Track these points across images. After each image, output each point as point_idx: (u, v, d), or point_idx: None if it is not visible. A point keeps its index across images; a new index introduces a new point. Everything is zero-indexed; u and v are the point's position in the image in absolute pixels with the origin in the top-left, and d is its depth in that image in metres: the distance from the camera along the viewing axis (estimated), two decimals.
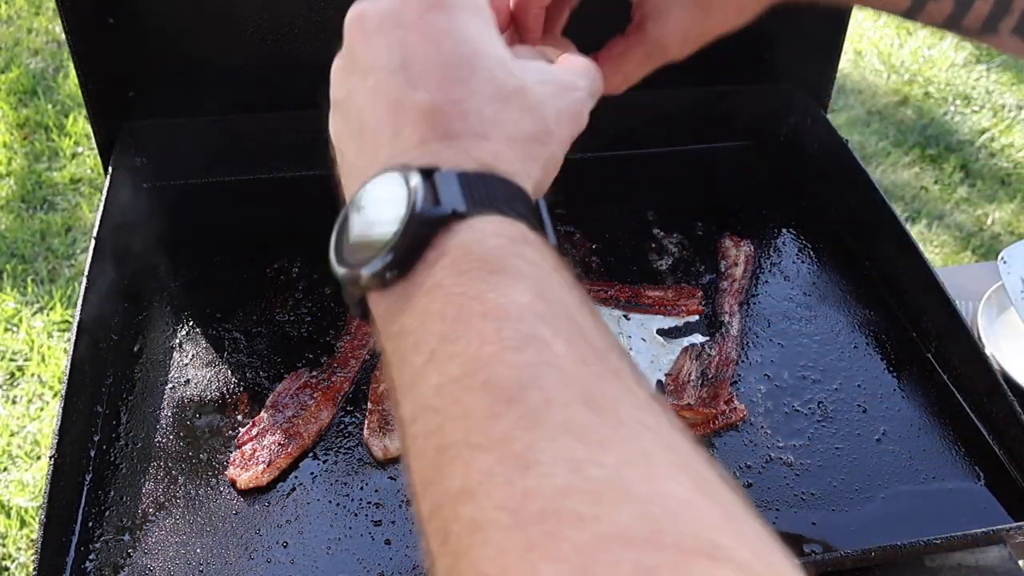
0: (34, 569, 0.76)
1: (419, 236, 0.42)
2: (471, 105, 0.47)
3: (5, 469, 1.91)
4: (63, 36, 1.09)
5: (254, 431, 0.91)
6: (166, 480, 0.87)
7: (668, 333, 1.04)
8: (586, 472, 0.33)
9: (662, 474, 0.34)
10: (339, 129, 0.55)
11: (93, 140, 1.20)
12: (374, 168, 0.47)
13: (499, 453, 0.34)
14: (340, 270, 0.46)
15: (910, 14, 0.68)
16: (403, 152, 0.47)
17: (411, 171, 0.44)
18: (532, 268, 0.41)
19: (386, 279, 0.42)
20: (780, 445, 0.92)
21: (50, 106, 2.85)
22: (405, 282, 0.42)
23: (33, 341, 2.15)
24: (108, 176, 1.11)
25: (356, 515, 0.85)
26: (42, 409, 2.02)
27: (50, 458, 0.81)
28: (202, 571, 0.80)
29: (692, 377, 0.97)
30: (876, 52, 3.34)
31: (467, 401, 0.36)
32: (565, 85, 0.54)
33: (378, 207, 0.45)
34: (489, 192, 0.44)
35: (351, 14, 0.54)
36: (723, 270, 1.11)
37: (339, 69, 0.55)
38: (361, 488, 0.87)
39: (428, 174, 0.43)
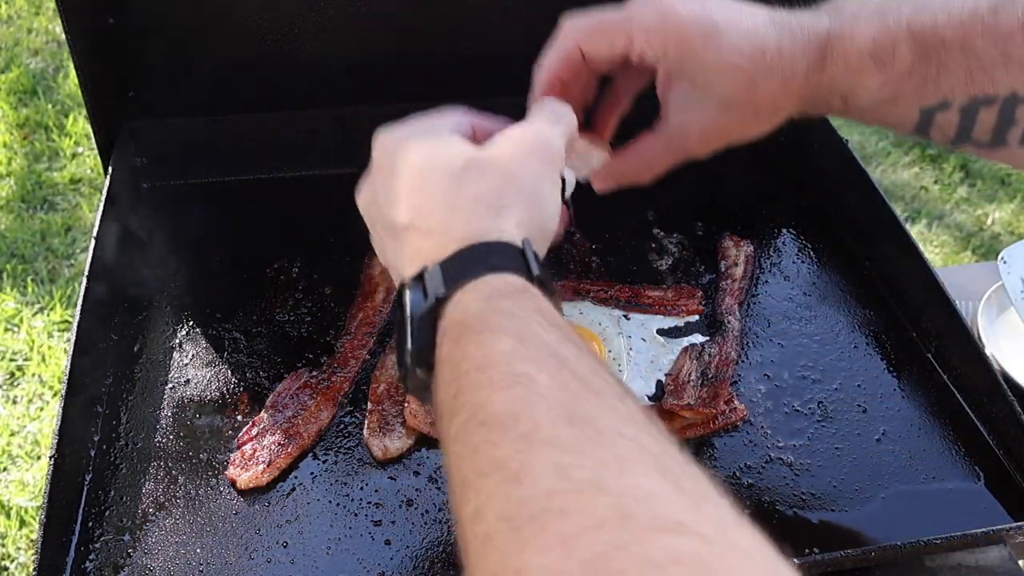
0: (34, 569, 0.76)
1: (423, 331, 0.52)
2: (431, 206, 0.57)
3: (5, 469, 1.91)
4: (63, 36, 1.09)
5: (254, 431, 0.91)
6: (166, 480, 0.87)
7: (668, 333, 1.04)
8: (569, 475, 0.38)
9: (635, 471, 0.39)
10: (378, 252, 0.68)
11: (93, 140, 1.20)
12: (398, 286, 0.59)
13: (499, 475, 0.40)
14: (399, 372, 0.56)
15: (920, 130, 0.68)
16: (409, 266, 0.58)
17: (407, 284, 0.55)
18: (510, 319, 0.49)
19: (421, 376, 0.53)
20: (780, 445, 0.92)
21: (50, 106, 2.85)
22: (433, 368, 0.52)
23: (33, 341, 2.15)
24: (108, 176, 1.11)
25: (356, 515, 0.85)
26: (42, 409, 2.02)
27: (50, 458, 0.81)
28: (202, 571, 0.80)
29: (692, 377, 0.97)
30: None
31: (473, 439, 0.43)
32: (525, 138, 0.63)
33: (402, 322, 0.56)
34: (464, 266, 0.53)
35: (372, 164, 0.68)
36: (723, 270, 1.11)
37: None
38: (361, 488, 0.87)
39: (420, 277, 0.55)
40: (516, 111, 1.32)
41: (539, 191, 0.59)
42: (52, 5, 3.07)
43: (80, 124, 2.73)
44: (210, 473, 0.88)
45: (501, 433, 0.42)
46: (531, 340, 0.47)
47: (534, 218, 0.58)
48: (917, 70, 0.65)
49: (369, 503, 0.86)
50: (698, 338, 1.03)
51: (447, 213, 0.57)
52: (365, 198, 0.65)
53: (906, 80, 0.66)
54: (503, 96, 1.32)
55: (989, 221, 2.74)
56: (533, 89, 0.74)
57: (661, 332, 1.04)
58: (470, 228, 0.55)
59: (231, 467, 0.88)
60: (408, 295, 0.54)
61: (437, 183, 0.58)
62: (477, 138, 0.65)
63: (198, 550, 0.81)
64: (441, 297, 0.52)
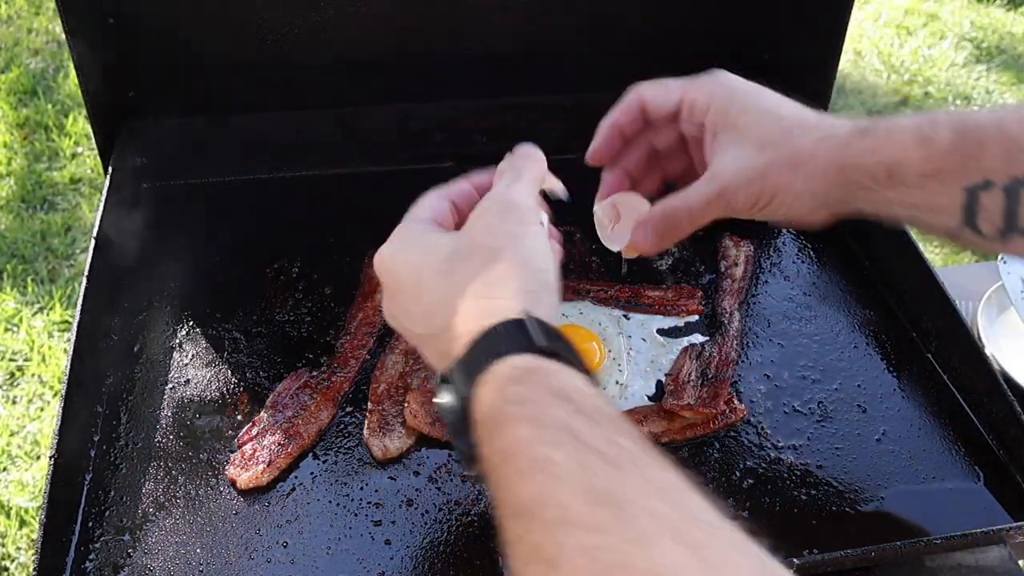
0: (34, 569, 0.76)
1: (463, 432, 0.55)
2: (433, 310, 0.60)
3: (5, 469, 1.91)
4: (63, 36, 1.09)
5: (254, 431, 0.91)
6: (166, 480, 0.87)
7: (668, 333, 1.04)
8: (597, 557, 0.41)
9: (659, 545, 0.42)
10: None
11: (93, 140, 1.20)
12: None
13: (539, 564, 0.43)
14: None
15: (968, 217, 0.67)
16: (439, 368, 0.61)
17: (440, 388, 0.59)
18: (522, 405, 0.51)
19: (468, 468, 0.59)
20: (780, 445, 0.92)
21: (50, 106, 2.85)
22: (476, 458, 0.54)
23: (33, 341, 2.15)
24: (108, 176, 1.11)
25: (356, 515, 0.85)
26: (42, 409, 2.02)
27: (50, 458, 0.81)
28: (202, 571, 0.80)
29: (692, 377, 0.97)
30: (876, 52, 3.34)
31: (514, 529, 0.46)
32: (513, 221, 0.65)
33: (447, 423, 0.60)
34: (475, 360, 0.55)
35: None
36: (723, 270, 1.11)
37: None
38: (361, 488, 0.87)
39: (446, 379, 0.58)
40: (516, 111, 1.32)
41: (523, 253, 0.61)
42: (52, 5, 3.07)
43: (80, 124, 2.73)
44: (210, 473, 0.88)
45: (533, 521, 0.45)
46: (546, 421, 0.49)
47: (529, 280, 0.60)
48: (958, 147, 0.66)
49: (369, 503, 0.86)
50: (698, 338, 1.03)
51: (448, 312, 0.59)
52: (391, 318, 0.68)
53: (948, 157, 0.66)
54: (503, 96, 1.33)
55: None
56: (596, 135, 0.79)
57: (661, 332, 1.04)
58: (471, 318, 0.57)
59: (231, 467, 0.88)
60: (444, 399, 0.58)
61: (431, 287, 0.61)
62: (460, 211, 0.69)
63: (198, 550, 0.81)
64: (465, 398, 0.55)
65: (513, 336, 0.55)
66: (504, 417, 0.51)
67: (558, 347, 0.55)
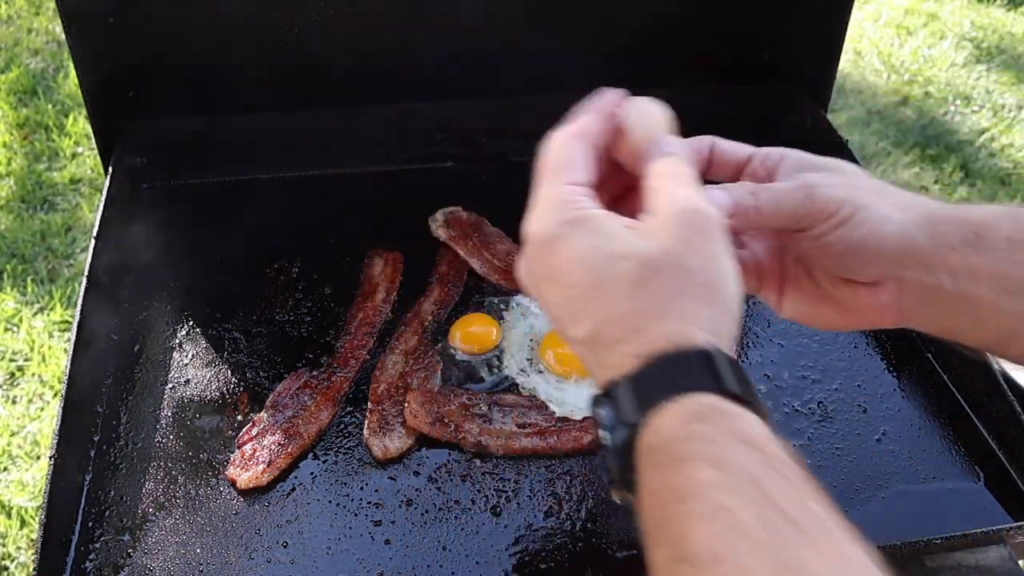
0: (34, 569, 0.76)
1: (621, 454, 0.51)
2: (609, 316, 0.54)
3: (5, 469, 1.91)
4: (63, 36, 1.09)
5: (254, 431, 0.91)
6: (166, 480, 0.87)
7: None
8: None
9: None
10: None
11: (93, 140, 1.20)
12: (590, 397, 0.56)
13: None
14: (607, 482, 0.56)
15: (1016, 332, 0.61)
16: (596, 376, 0.55)
17: (597, 399, 0.53)
18: (707, 445, 0.47)
19: (625, 495, 0.52)
20: None
21: (50, 106, 2.84)
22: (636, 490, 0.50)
23: (33, 341, 2.14)
24: (108, 176, 1.11)
25: (356, 515, 0.85)
26: (42, 409, 2.02)
27: (50, 458, 0.81)
28: (202, 571, 0.80)
29: None
30: (876, 52, 3.34)
31: (670, 572, 0.44)
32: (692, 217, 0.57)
33: (598, 439, 0.54)
34: (655, 385, 0.51)
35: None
36: None
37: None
38: (361, 488, 0.87)
39: (608, 394, 0.53)
40: (516, 111, 1.31)
41: (717, 277, 0.55)
42: (52, 5, 3.06)
43: (80, 124, 2.73)
44: (210, 473, 0.88)
45: (702, 572, 0.42)
46: (731, 468, 0.45)
47: (720, 308, 0.54)
48: None
49: (369, 503, 0.86)
50: None
51: (626, 324, 0.53)
52: (545, 304, 0.59)
53: None
54: (503, 96, 1.33)
55: None
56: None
57: None
58: (653, 338, 0.52)
59: (231, 467, 0.88)
60: (601, 412, 0.53)
61: (617, 295, 0.54)
62: (602, 170, 0.61)
63: (198, 550, 0.81)
64: (636, 423, 0.50)
65: (701, 371, 0.51)
66: (683, 454, 0.47)
67: (747, 391, 0.51)
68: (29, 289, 2.27)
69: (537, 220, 0.58)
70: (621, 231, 0.56)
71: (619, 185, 0.65)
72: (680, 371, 0.51)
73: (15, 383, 2.09)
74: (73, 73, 2.03)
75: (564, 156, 0.60)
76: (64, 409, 0.85)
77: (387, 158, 1.25)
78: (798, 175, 0.64)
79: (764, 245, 0.69)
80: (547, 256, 0.57)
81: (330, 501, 0.86)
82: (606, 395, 0.53)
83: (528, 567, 0.81)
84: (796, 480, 0.46)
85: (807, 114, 1.27)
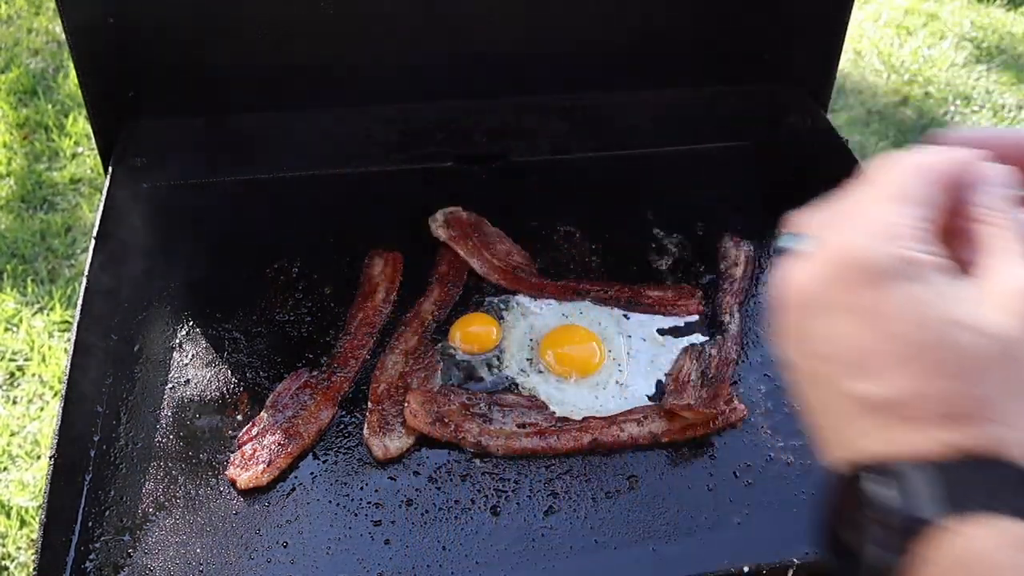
0: (34, 569, 0.76)
1: (890, 545, 0.42)
2: (937, 386, 0.44)
3: (5, 469, 1.91)
4: (63, 36, 1.09)
5: (254, 431, 0.91)
6: (166, 480, 0.87)
7: (668, 333, 1.04)
8: None
9: None
10: (810, 400, 0.51)
11: (93, 140, 1.20)
12: (847, 463, 0.46)
13: None
14: (830, 557, 0.45)
15: None
16: (867, 445, 0.45)
17: (868, 472, 0.44)
18: None
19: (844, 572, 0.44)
20: (780, 445, 0.92)
21: (50, 106, 2.85)
22: None
23: (33, 341, 2.14)
24: (108, 176, 1.11)
25: (356, 515, 0.85)
26: (42, 409, 2.02)
27: (50, 458, 0.81)
28: (202, 571, 0.80)
29: (692, 377, 0.97)
30: (876, 52, 3.34)
31: None
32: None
33: (849, 516, 0.45)
34: (977, 487, 0.42)
35: (784, 286, 0.50)
36: (723, 270, 1.11)
37: (787, 335, 0.51)
38: (361, 488, 0.87)
39: (888, 469, 0.43)
40: (516, 111, 1.31)
41: None
42: (52, 5, 3.07)
43: (80, 124, 2.73)
44: (210, 473, 0.88)
45: None
46: None
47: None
48: None
49: (369, 503, 0.86)
50: (698, 338, 1.03)
51: (947, 405, 0.43)
52: (813, 314, 0.48)
53: None
54: (503, 96, 1.33)
55: None
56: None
57: (661, 332, 1.04)
58: (975, 435, 0.43)
59: (231, 467, 0.88)
60: (871, 487, 0.43)
61: (945, 364, 0.44)
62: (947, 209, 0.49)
63: (198, 550, 0.81)
64: (931, 519, 0.41)
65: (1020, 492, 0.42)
66: None
67: None
68: (29, 289, 2.27)
69: (861, 237, 0.47)
70: (958, 291, 0.46)
71: None
72: (1002, 485, 0.42)
73: (15, 383, 2.09)
74: (73, 73, 2.03)
75: (905, 189, 0.49)
76: (64, 409, 0.85)
77: (387, 158, 1.25)
78: None
79: None
80: (863, 287, 0.46)
81: (330, 501, 0.86)
82: (884, 471, 0.43)
83: (528, 567, 0.82)
84: None
85: (807, 114, 1.27)
